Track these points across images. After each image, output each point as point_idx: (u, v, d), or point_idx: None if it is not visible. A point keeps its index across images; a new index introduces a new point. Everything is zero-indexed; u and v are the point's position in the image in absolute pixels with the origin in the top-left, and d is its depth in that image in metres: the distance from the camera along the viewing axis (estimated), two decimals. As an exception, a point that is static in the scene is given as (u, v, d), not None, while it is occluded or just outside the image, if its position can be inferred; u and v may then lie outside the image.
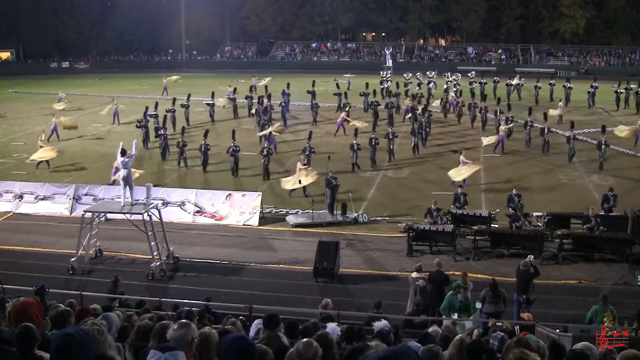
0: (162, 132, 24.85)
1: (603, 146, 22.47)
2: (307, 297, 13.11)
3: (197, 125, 30.52)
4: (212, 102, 32.33)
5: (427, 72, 39.91)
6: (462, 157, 20.84)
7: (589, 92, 34.96)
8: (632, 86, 34.52)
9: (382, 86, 37.25)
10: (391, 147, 23.96)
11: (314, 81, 34.65)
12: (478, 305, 10.97)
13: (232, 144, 22.17)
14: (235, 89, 34.46)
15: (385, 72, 39.75)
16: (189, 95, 31.90)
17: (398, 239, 16.26)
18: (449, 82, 37.22)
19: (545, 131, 24.99)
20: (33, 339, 3.90)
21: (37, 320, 4.41)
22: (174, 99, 30.87)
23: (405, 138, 26.33)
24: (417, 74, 40.02)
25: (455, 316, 10.97)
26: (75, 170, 23.37)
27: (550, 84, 36.54)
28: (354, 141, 22.67)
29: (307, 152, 21.68)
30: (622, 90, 34.00)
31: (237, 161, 22.18)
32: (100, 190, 18.98)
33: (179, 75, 43.30)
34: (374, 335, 6.02)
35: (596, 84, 35.22)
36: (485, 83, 35.62)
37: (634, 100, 33.90)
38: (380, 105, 30.29)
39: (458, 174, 20.31)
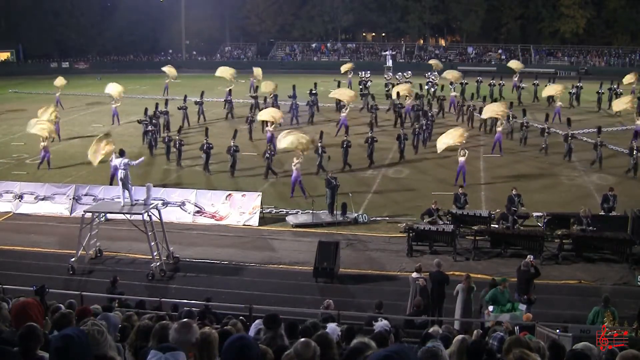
0: (150, 128, 25.60)
1: (635, 152, 21.96)
2: (307, 297, 13.14)
3: (209, 123, 30.86)
4: (230, 98, 32.48)
5: (405, 73, 39.80)
6: (460, 158, 20.88)
7: (570, 92, 34.56)
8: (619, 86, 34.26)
9: (361, 86, 37.08)
10: (371, 151, 23.40)
11: (339, 82, 34.86)
12: (522, 307, 10.93)
13: (205, 141, 22.66)
14: (257, 87, 34.10)
15: (364, 73, 39.46)
16: (203, 93, 32.42)
17: (398, 239, 16.27)
18: (428, 82, 37.01)
19: (569, 137, 24.02)
20: (36, 340, 3.91)
21: (37, 321, 4.41)
22: (185, 96, 31.25)
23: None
24: (397, 74, 39.96)
25: (491, 308, 10.97)
26: (75, 170, 23.35)
27: (534, 84, 36.35)
28: (319, 144, 22.43)
29: (267, 155, 21.83)
30: (603, 91, 33.63)
31: (209, 158, 22.66)
32: (100, 190, 18.99)
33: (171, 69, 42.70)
34: (371, 336, 6.01)
35: (580, 84, 34.92)
36: (466, 83, 35.54)
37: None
38: (403, 107, 29.53)
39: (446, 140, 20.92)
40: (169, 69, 41.06)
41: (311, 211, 18.06)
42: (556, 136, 26.77)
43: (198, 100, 31.61)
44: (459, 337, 5.26)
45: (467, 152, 21.34)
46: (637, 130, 25.59)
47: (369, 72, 39.84)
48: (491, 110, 25.92)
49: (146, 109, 27.35)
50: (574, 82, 36.24)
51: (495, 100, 31.43)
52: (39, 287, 7.23)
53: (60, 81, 35.97)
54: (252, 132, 27.46)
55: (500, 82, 35.81)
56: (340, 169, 22.51)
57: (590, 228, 15.22)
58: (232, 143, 22.26)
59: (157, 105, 28.60)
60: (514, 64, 40.46)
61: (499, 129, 25.44)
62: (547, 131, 25.22)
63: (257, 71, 39.69)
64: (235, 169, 22.26)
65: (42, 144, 23.32)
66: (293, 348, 3.67)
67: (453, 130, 21.77)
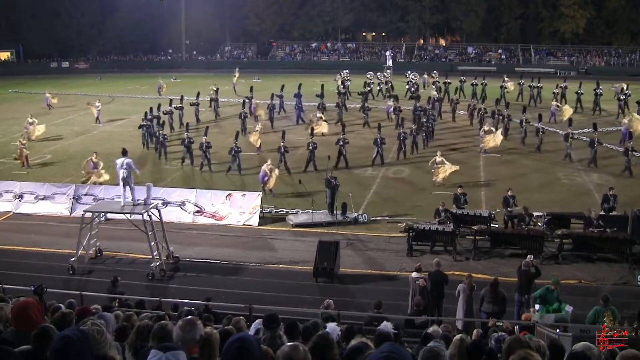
0: (144, 122, 26.45)
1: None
2: (307, 297, 13.13)
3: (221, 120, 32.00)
4: (252, 96, 32.57)
5: (385, 73, 39.54)
6: (436, 158, 20.83)
7: (554, 92, 34.06)
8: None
9: (344, 86, 36.92)
10: (344, 153, 23.02)
11: (365, 82, 34.94)
12: (569, 309, 10.89)
13: (185, 136, 23.88)
14: (282, 86, 33.90)
15: (345, 72, 39.31)
16: (217, 89, 33.45)
17: (398, 239, 16.26)
18: (409, 82, 36.71)
19: (595, 143, 22.88)
20: (50, 340, 3.91)
21: (37, 321, 4.41)
22: (198, 93, 31.83)
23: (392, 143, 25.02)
24: (378, 73, 39.65)
25: (537, 307, 10.95)
26: (75, 170, 23.33)
27: (519, 83, 36.19)
28: (282, 143, 22.47)
29: (233, 152, 22.17)
30: (582, 92, 33.19)
31: (191, 152, 23.45)
32: (100, 190, 19.01)
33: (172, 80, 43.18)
34: (375, 336, 6.02)
35: (565, 84, 34.73)
36: (450, 83, 35.40)
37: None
38: (422, 110, 28.64)
39: (440, 173, 20.59)
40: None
41: (311, 211, 18.06)
42: (555, 135, 26.79)
43: (213, 97, 32.60)
44: (458, 337, 5.24)
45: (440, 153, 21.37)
46: (625, 131, 25.53)
47: (347, 71, 39.85)
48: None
49: (159, 105, 28.43)
50: (558, 81, 35.88)
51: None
52: (37, 286, 7.23)
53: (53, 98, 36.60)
54: (246, 127, 27.83)
55: (483, 81, 35.78)
56: (303, 169, 22.53)
57: (603, 229, 15.16)
58: (203, 140, 22.64)
59: (170, 101, 29.41)
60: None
61: (485, 128, 25.56)
62: (571, 136, 23.94)
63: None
64: (210, 165, 22.75)
65: (22, 141, 23.92)
66: (281, 351, 3.61)
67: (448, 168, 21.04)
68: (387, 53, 56.67)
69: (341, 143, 23.04)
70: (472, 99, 32.26)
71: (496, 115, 28.34)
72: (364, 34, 75.25)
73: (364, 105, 30.95)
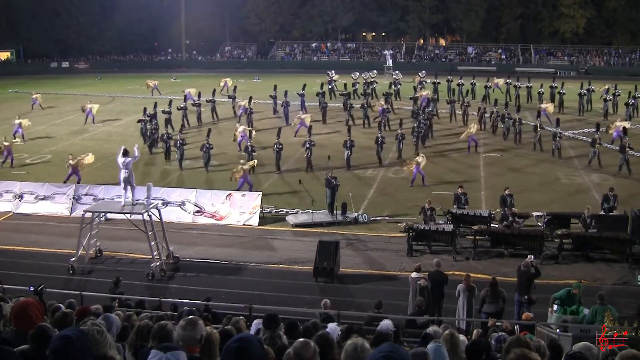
0: (143, 118, 27.04)
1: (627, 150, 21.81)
2: (307, 297, 13.13)
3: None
4: (274, 94, 32.75)
5: (370, 73, 39.60)
6: (405, 167, 20.94)
7: (539, 92, 33.77)
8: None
9: (330, 86, 36.79)
10: (309, 155, 22.73)
11: (390, 83, 34.96)
12: (586, 312, 10.91)
13: (165, 131, 24.94)
14: (304, 86, 33.56)
15: (332, 72, 39.24)
16: (235, 88, 34.93)
17: (398, 239, 16.27)
18: (395, 81, 36.67)
19: (626, 148, 21.91)
20: (48, 340, 3.90)
21: (37, 320, 4.41)
22: (214, 90, 32.94)
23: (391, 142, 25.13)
24: (363, 73, 39.79)
25: (555, 307, 10.95)
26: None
27: (506, 82, 35.96)
28: (248, 143, 22.59)
29: (205, 149, 22.66)
30: (564, 92, 33.04)
31: (169, 149, 24.31)
32: (100, 190, 19.00)
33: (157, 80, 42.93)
34: (375, 336, 6.02)
35: (555, 84, 34.44)
36: (439, 83, 35.35)
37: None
38: (414, 113, 28.51)
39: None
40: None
41: (311, 211, 18.06)
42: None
43: (231, 95, 33.47)
44: (447, 332, 5.21)
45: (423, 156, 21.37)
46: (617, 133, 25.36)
47: (333, 71, 39.86)
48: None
49: (170, 102, 29.62)
50: (544, 82, 35.44)
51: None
52: (37, 286, 7.23)
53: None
54: (252, 123, 28.15)
55: (472, 81, 35.65)
56: (275, 170, 22.67)
57: (593, 227, 15.24)
58: (179, 137, 23.39)
59: (185, 97, 30.66)
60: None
61: (471, 130, 25.25)
62: (598, 142, 22.93)
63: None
64: (182, 162, 23.22)
65: (5, 143, 24.05)
66: (292, 348, 3.65)
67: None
68: (387, 53, 56.65)
69: (307, 146, 22.87)
70: (482, 102, 32.08)
71: (506, 119, 27.68)
72: (364, 34, 75.26)
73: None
